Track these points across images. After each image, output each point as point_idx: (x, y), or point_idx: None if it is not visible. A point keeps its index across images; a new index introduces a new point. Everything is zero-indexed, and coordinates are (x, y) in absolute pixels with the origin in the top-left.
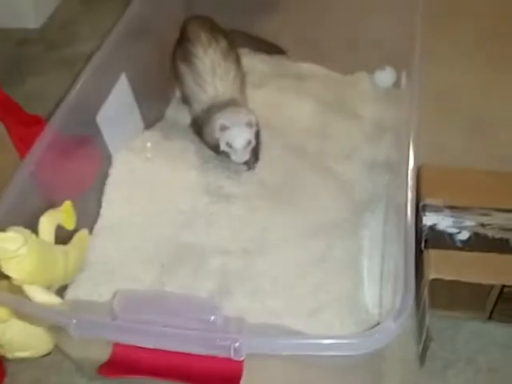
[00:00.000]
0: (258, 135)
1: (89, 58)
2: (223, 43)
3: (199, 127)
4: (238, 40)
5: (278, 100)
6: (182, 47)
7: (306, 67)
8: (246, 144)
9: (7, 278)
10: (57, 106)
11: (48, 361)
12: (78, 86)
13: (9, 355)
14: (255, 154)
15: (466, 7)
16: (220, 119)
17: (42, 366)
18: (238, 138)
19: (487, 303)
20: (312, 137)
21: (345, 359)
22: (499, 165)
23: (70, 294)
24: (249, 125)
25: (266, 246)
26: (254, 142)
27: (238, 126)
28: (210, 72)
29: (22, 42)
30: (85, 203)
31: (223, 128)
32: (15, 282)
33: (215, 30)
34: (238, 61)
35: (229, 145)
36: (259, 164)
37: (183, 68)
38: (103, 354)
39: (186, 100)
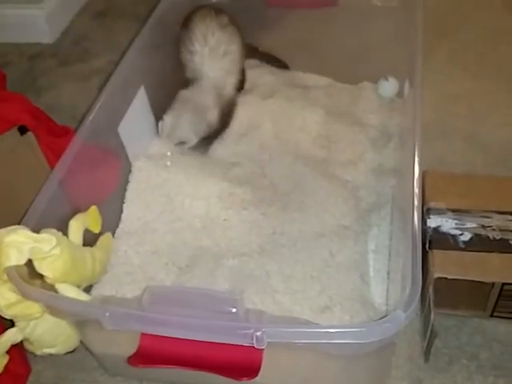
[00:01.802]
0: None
1: (105, 71)
2: (224, 19)
3: None
4: (247, 52)
5: (286, 110)
6: (184, 19)
7: (312, 78)
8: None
9: (40, 277)
10: (82, 118)
11: (70, 359)
12: (102, 98)
13: (38, 352)
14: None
15: (466, 20)
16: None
17: (64, 363)
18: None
19: (489, 301)
20: (320, 145)
21: (359, 347)
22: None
23: (95, 293)
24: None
25: (277, 249)
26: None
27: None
28: (202, 40)
29: (35, 57)
30: (107, 208)
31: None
32: (48, 281)
33: (219, 11)
34: (236, 36)
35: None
36: (271, 172)
37: (181, 35)
38: (126, 351)
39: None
